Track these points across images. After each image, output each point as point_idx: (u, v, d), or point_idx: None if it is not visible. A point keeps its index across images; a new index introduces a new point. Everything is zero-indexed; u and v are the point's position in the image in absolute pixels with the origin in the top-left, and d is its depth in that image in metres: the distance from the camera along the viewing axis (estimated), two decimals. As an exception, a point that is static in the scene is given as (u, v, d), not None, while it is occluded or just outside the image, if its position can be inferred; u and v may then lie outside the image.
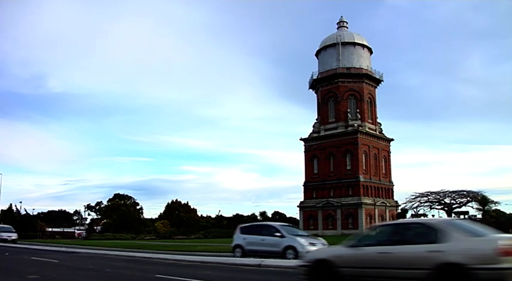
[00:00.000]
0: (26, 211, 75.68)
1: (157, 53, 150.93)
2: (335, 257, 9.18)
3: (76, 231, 74.99)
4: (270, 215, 76.02)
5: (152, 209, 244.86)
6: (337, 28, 72.28)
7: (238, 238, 18.28)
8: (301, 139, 70.33)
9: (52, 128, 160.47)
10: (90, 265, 15.67)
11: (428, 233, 8.21)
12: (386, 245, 8.49)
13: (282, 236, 16.59)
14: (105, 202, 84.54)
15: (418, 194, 56.03)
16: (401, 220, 10.74)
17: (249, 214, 77.78)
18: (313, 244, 16.13)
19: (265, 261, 14.85)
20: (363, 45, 69.49)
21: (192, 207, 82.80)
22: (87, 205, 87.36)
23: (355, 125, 64.86)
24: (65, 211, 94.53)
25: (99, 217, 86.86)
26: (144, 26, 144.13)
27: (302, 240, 16.30)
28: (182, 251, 25.58)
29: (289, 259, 15.50)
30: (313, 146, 68.67)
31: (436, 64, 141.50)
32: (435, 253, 7.64)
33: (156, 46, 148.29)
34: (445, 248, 7.62)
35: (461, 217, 49.24)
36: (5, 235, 36.73)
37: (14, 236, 38.00)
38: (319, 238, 19.17)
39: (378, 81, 70.71)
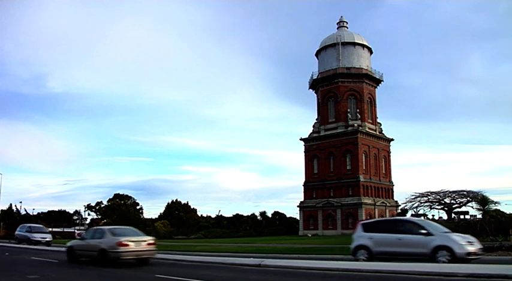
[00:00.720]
0: (26, 211, 75.65)
1: (157, 53, 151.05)
2: (75, 245, 17.34)
3: (76, 231, 74.78)
4: (270, 215, 75.89)
5: (152, 209, 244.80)
6: (337, 28, 72.33)
7: (362, 237, 15.06)
8: (301, 139, 70.38)
9: (52, 128, 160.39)
10: (90, 265, 15.68)
11: (101, 233, 15.90)
12: (91, 239, 16.22)
13: (429, 234, 13.34)
14: (105, 202, 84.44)
15: (418, 194, 56.09)
16: (96, 227, 19.89)
17: (249, 214, 77.57)
18: (471, 243, 13.19)
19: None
20: (363, 45, 69.51)
21: (192, 207, 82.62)
22: (87, 205, 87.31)
23: (355, 125, 64.87)
24: (65, 211, 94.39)
25: (99, 217, 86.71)
26: (144, 26, 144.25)
27: (458, 238, 13.18)
28: (182, 251, 25.59)
29: (442, 262, 12.46)
30: (313, 146, 68.69)
31: (436, 64, 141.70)
32: (98, 244, 15.27)
33: (156, 46, 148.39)
34: (102, 241, 15.21)
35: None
36: (38, 237, 31.58)
37: (48, 237, 32.75)
38: (469, 235, 15.21)
39: (378, 81, 70.74)
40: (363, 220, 17.15)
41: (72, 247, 17.19)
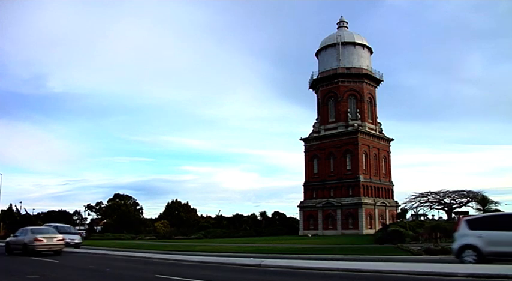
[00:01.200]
0: (26, 211, 75.47)
1: (157, 53, 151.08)
2: (10, 241, 22.35)
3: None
4: (270, 215, 75.82)
5: (152, 209, 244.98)
6: (337, 28, 72.25)
7: (468, 235, 12.89)
8: (301, 139, 70.33)
9: (52, 128, 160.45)
10: (90, 265, 15.69)
11: (26, 232, 21.40)
12: (20, 236, 21.53)
13: None
14: (105, 202, 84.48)
15: (418, 194, 55.96)
16: (24, 227, 23.19)
17: (249, 214, 77.42)
18: None
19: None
20: (363, 45, 69.46)
21: (192, 207, 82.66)
22: (87, 205, 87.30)
23: (355, 125, 64.83)
24: (65, 211, 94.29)
25: (99, 217, 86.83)
26: (144, 26, 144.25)
27: None
28: (182, 251, 25.60)
29: None
30: (313, 146, 68.65)
31: (436, 64, 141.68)
32: (22, 240, 20.96)
33: (156, 46, 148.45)
34: (25, 238, 20.78)
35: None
36: (67, 238, 25.94)
37: (78, 239, 29.09)
38: None
39: (378, 81, 70.69)
40: (466, 216, 15.08)
41: (8, 242, 22.91)
